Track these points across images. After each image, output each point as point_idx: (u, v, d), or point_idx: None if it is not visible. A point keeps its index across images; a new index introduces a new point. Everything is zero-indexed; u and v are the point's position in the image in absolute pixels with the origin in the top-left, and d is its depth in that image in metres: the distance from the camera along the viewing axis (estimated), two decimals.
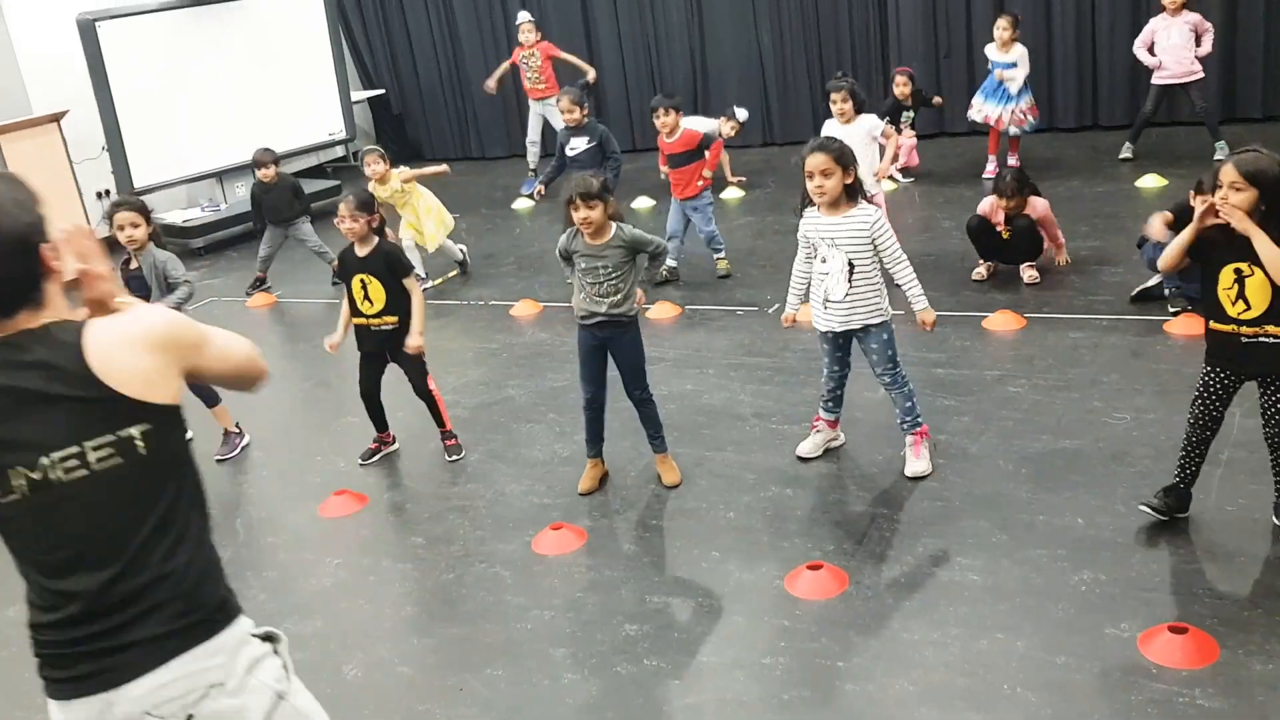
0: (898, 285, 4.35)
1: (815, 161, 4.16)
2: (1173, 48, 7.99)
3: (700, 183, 6.99)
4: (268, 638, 2.11)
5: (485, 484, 4.85)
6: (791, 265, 4.53)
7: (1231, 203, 3.36)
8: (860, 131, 6.38)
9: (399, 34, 12.29)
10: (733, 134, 9.04)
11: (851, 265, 4.23)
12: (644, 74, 11.23)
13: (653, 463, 4.73)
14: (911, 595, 3.67)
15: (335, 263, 5.75)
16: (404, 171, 7.55)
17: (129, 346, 1.91)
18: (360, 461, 5.18)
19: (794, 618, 3.63)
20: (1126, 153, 8.43)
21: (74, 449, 1.87)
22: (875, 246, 4.23)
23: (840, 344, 4.47)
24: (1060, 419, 4.70)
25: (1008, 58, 8.19)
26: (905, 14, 9.94)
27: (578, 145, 7.15)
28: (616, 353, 4.53)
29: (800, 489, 4.47)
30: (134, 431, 1.91)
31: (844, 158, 4.19)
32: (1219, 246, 3.46)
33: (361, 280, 4.93)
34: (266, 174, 7.92)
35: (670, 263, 7.20)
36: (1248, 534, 3.72)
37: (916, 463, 4.44)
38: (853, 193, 4.24)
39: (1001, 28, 8.20)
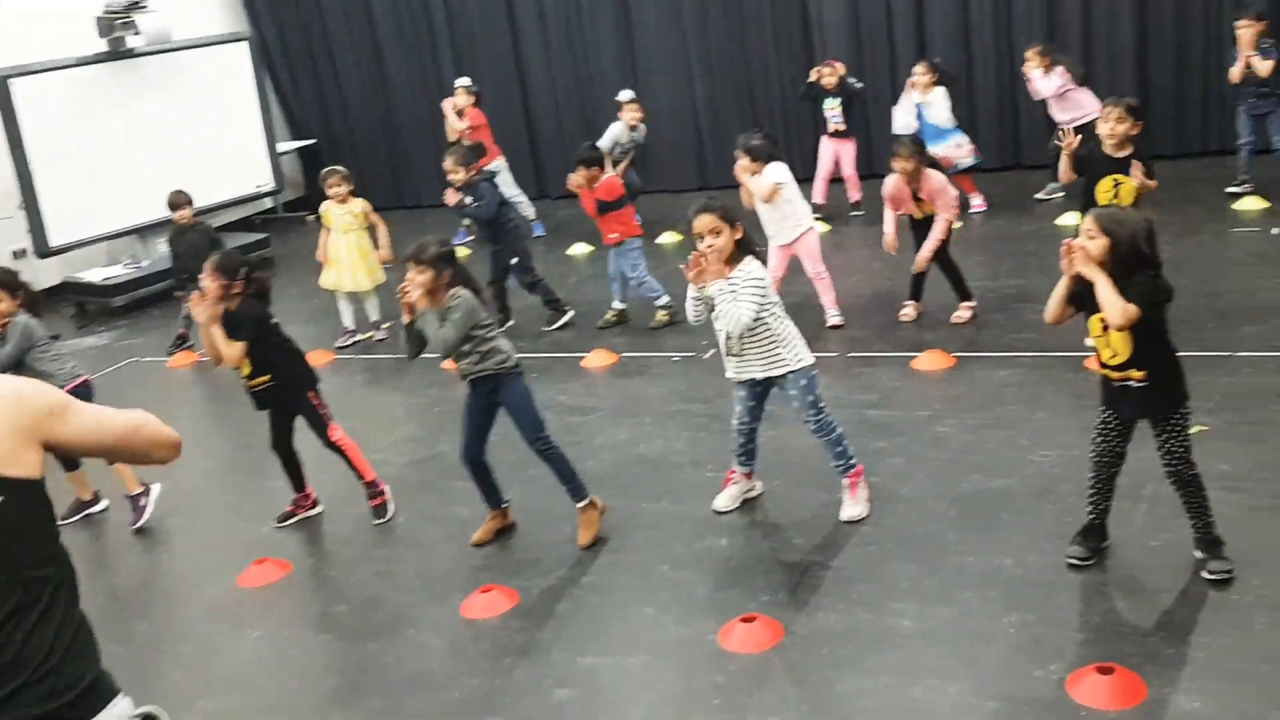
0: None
1: (703, 222, 4.18)
2: (1056, 100, 8.29)
3: (616, 235, 7.03)
4: (148, 719, 2.01)
5: (414, 546, 4.76)
6: None
7: (1088, 250, 3.47)
8: (771, 179, 6.41)
9: (329, 84, 12.23)
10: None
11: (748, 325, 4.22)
12: (578, 123, 11.26)
13: None
14: (845, 644, 3.64)
15: None
16: (367, 205, 7.48)
17: None
18: (275, 525, 5.05)
19: (728, 674, 3.58)
20: (1045, 193, 8.60)
21: None
22: (763, 298, 4.18)
23: (756, 392, 4.44)
24: (988, 458, 4.74)
25: (927, 100, 8.36)
26: (831, 53, 10.07)
27: (466, 203, 7.16)
28: (506, 406, 4.50)
29: (736, 538, 4.43)
30: None
31: (729, 215, 4.20)
32: (1089, 296, 3.56)
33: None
34: (182, 215, 7.78)
35: (617, 305, 7.21)
36: (1170, 569, 3.75)
37: (852, 506, 4.43)
38: (743, 248, 4.24)
39: (919, 72, 8.39)
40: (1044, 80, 8.28)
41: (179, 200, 7.81)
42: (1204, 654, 3.34)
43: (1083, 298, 3.61)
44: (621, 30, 10.94)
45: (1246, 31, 7.67)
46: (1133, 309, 3.41)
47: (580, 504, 4.56)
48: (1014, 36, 9.57)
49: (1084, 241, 3.52)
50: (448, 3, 11.44)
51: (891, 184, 6.37)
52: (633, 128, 9.21)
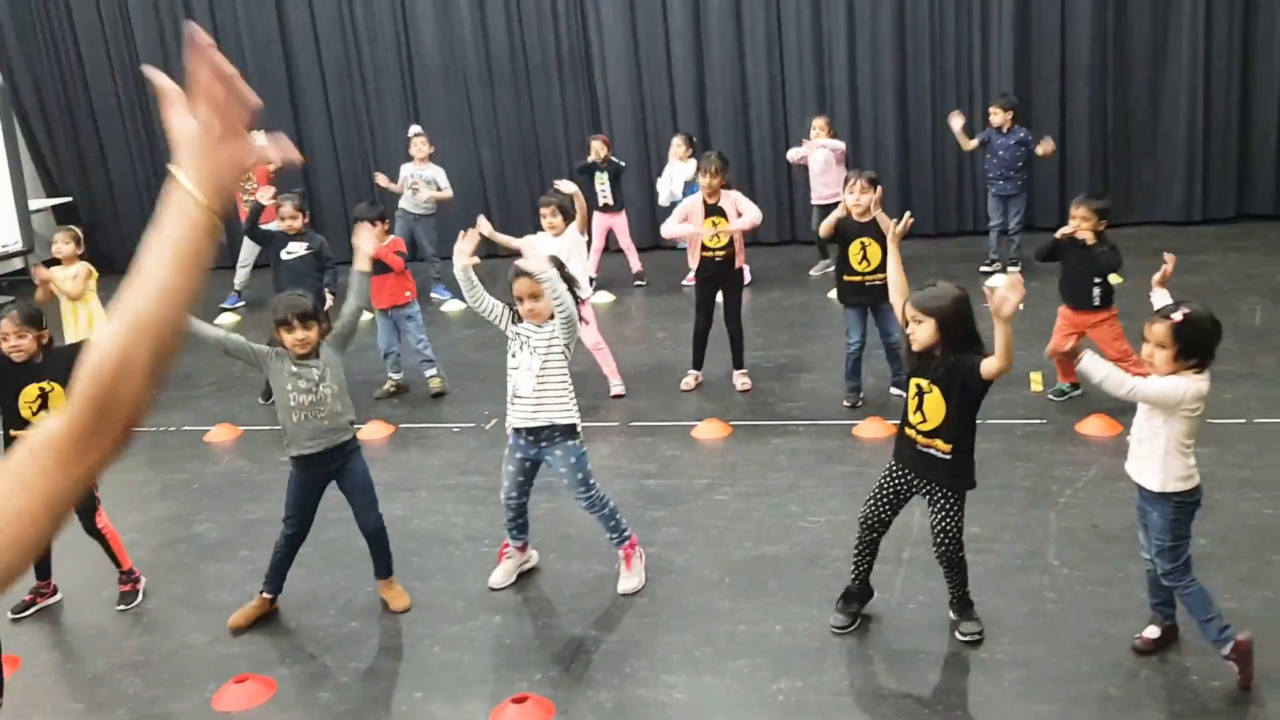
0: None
1: (522, 286, 4.18)
2: (819, 173, 8.76)
3: (408, 293, 6.90)
4: None
5: (163, 635, 4.39)
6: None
7: (917, 335, 3.63)
8: (568, 242, 6.45)
9: (89, 141, 11.53)
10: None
11: (540, 363, 4.22)
12: (363, 185, 11.03)
13: (355, 599, 4.48)
14: None
15: None
16: (93, 272, 6.98)
17: None
18: (11, 616, 4.58)
19: None
20: (817, 270, 9.03)
21: None
22: (565, 346, 4.23)
23: (526, 466, 4.39)
24: (760, 525, 4.84)
25: (687, 169, 8.69)
26: (618, 129, 10.34)
27: (295, 250, 6.84)
28: (346, 482, 4.33)
29: (511, 615, 4.33)
30: None
31: (556, 264, 4.21)
32: (912, 364, 3.75)
33: (40, 389, 4.40)
34: None
35: (394, 376, 7.00)
36: (928, 631, 3.91)
37: (628, 579, 4.42)
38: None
39: (677, 143, 8.72)
40: (818, 150, 8.65)
41: None
42: (958, 713, 3.47)
43: (918, 363, 3.73)
44: (408, 96, 10.85)
45: (995, 116, 8.41)
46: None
47: (385, 580, 4.46)
48: (789, 115, 10.09)
49: (912, 328, 3.65)
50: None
51: (686, 206, 6.45)
52: (420, 164, 9.13)
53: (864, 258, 5.80)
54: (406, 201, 9.15)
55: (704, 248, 6.40)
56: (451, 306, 9.07)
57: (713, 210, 6.35)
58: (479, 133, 10.79)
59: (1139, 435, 3.52)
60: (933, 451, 3.71)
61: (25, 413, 4.41)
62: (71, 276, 6.92)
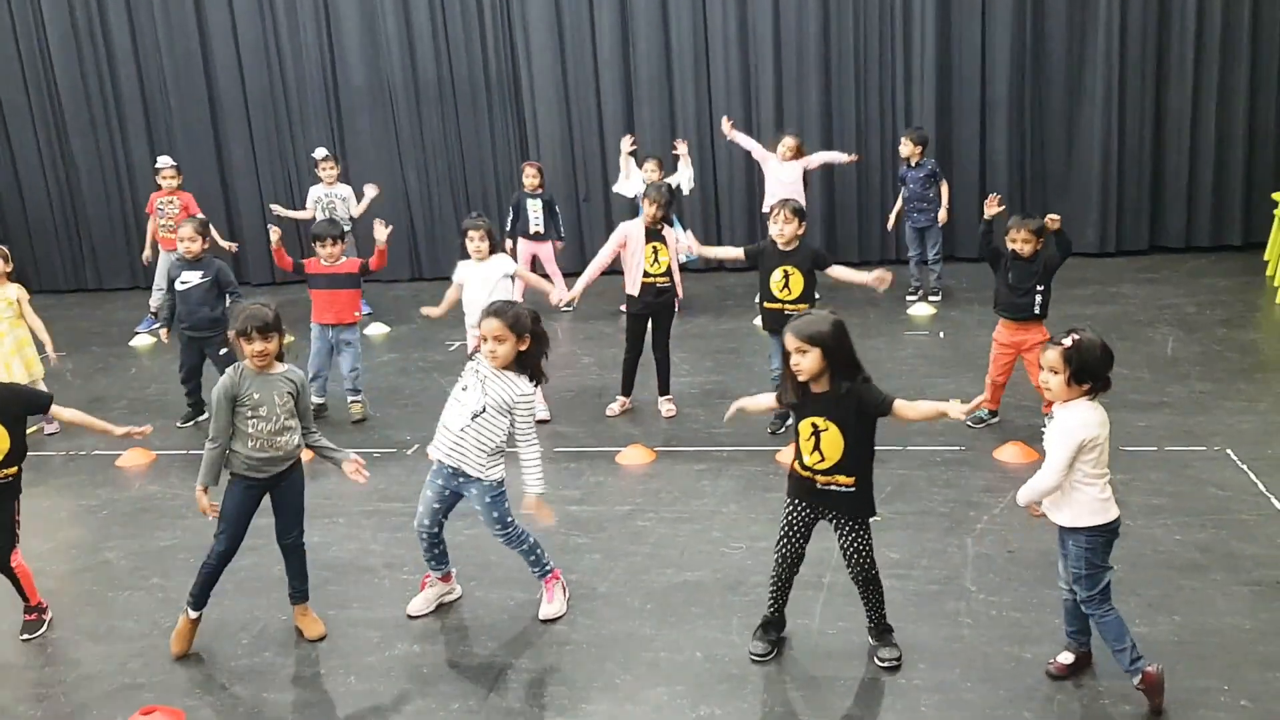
0: (520, 462, 4.26)
1: (489, 326, 4.11)
2: (781, 186, 8.68)
3: (357, 313, 6.82)
4: None
5: (67, 665, 4.24)
6: (441, 409, 4.32)
7: (802, 366, 3.63)
8: (494, 270, 6.41)
9: (1, 156, 11.19)
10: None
11: (480, 413, 4.16)
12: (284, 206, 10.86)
13: (269, 626, 4.38)
14: None
15: None
16: (23, 293, 6.77)
17: None
18: None
19: None
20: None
21: None
22: (511, 415, 4.17)
23: (445, 495, 4.32)
24: (683, 551, 4.83)
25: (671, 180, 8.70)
26: (546, 155, 10.34)
27: (190, 279, 6.69)
28: (281, 496, 4.26)
29: (429, 644, 4.26)
30: None
31: (518, 325, 4.12)
32: (801, 402, 3.73)
33: None
34: None
35: (317, 400, 6.87)
36: (847, 657, 3.93)
37: (549, 606, 4.38)
38: (525, 361, 4.17)
39: (650, 169, 8.73)
40: (783, 166, 8.66)
41: None
42: None
43: (799, 404, 3.74)
44: (332, 118, 10.73)
45: (905, 148, 8.61)
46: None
47: (300, 605, 4.38)
48: (715, 144, 10.19)
49: (797, 360, 3.65)
50: (142, 76, 10.82)
51: (623, 232, 6.44)
52: (330, 185, 9.14)
53: (785, 285, 5.87)
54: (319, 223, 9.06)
55: (645, 274, 6.42)
56: (374, 330, 8.96)
57: (653, 235, 6.38)
58: (405, 156, 10.72)
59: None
60: (834, 487, 3.73)
61: None
62: (10, 300, 6.69)
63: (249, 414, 4.11)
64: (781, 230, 5.84)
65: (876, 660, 3.87)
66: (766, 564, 4.55)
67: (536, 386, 4.27)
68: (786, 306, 5.85)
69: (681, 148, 8.96)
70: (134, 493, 5.99)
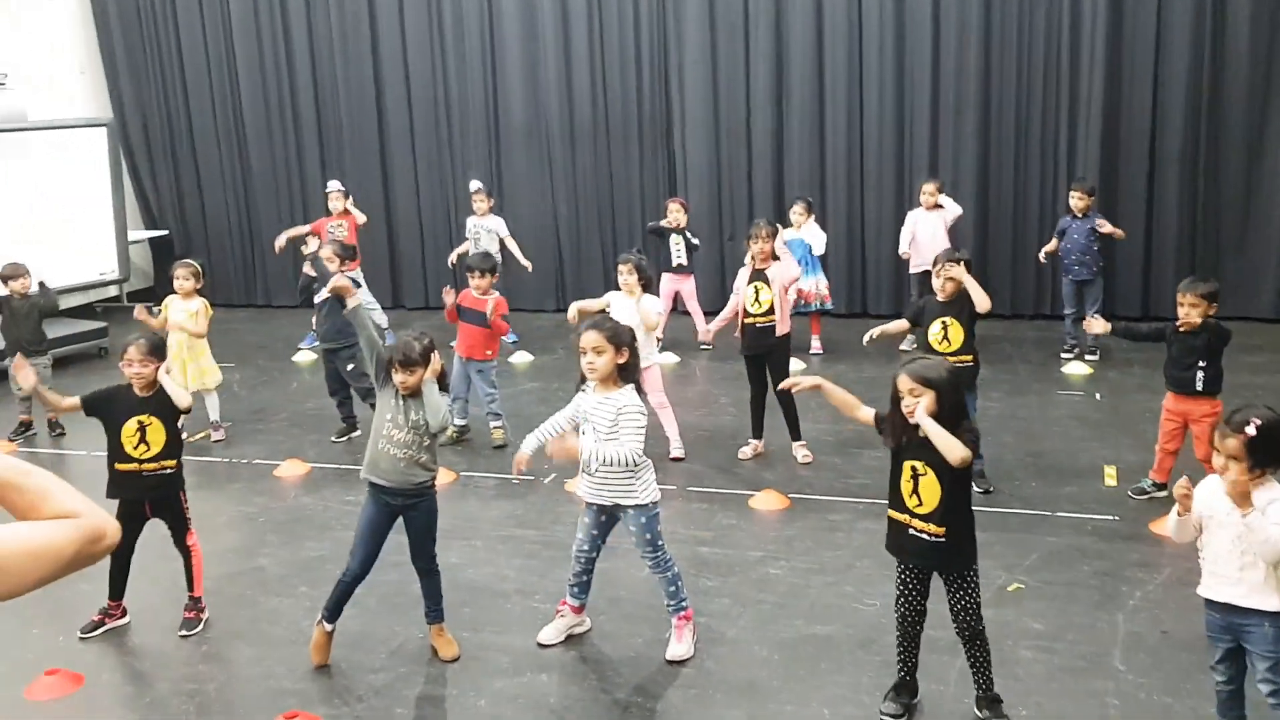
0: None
1: (589, 339, 4.21)
2: (927, 238, 8.64)
3: (489, 351, 6.98)
4: None
5: (219, 665, 4.47)
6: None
7: (913, 409, 3.59)
8: (644, 306, 6.49)
9: (188, 176, 11.98)
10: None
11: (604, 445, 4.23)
12: (441, 238, 11.28)
13: (407, 644, 4.52)
14: None
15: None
16: (206, 306, 7.26)
17: None
18: (80, 635, 4.69)
19: None
20: (906, 344, 8.87)
21: None
22: (618, 423, 4.21)
23: (601, 521, 4.41)
24: (814, 603, 4.77)
25: (801, 235, 8.66)
26: (694, 193, 10.43)
27: (323, 293, 7.02)
28: (412, 521, 4.42)
29: (556, 674, 4.32)
30: None
31: (617, 337, 4.23)
32: (903, 445, 3.70)
33: (140, 422, 4.60)
34: (15, 288, 7.43)
35: (459, 422, 7.09)
36: None
37: (678, 646, 4.39)
38: (625, 373, 4.26)
39: (797, 212, 8.72)
40: (932, 216, 8.58)
41: (13, 272, 7.46)
42: None
43: (900, 447, 3.71)
44: (492, 153, 11.09)
45: (1078, 200, 8.30)
46: (969, 452, 3.52)
47: (436, 625, 4.51)
48: (864, 188, 10.10)
49: (910, 401, 3.61)
50: (319, 106, 11.43)
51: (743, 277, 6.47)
52: (482, 216, 9.42)
53: (945, 337, 5.75)
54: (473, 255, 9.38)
55: (746, 313, 6.41)
56: (519, 358, 9.18)
57: (757, 276, 6.38)
58: (557, 189, 10.98)
59: (1221, 557, 3.34)
60: (924, 536, 3.65)
61: (127, 446, 4.61)
62: (192, 313, 7.15)
63: (386, 416, 4.33)
64: (943, 286, 5.77)
65: None
66: None
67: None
68: (948, 358, 5.72)
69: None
70: (289, 502, 6.28)
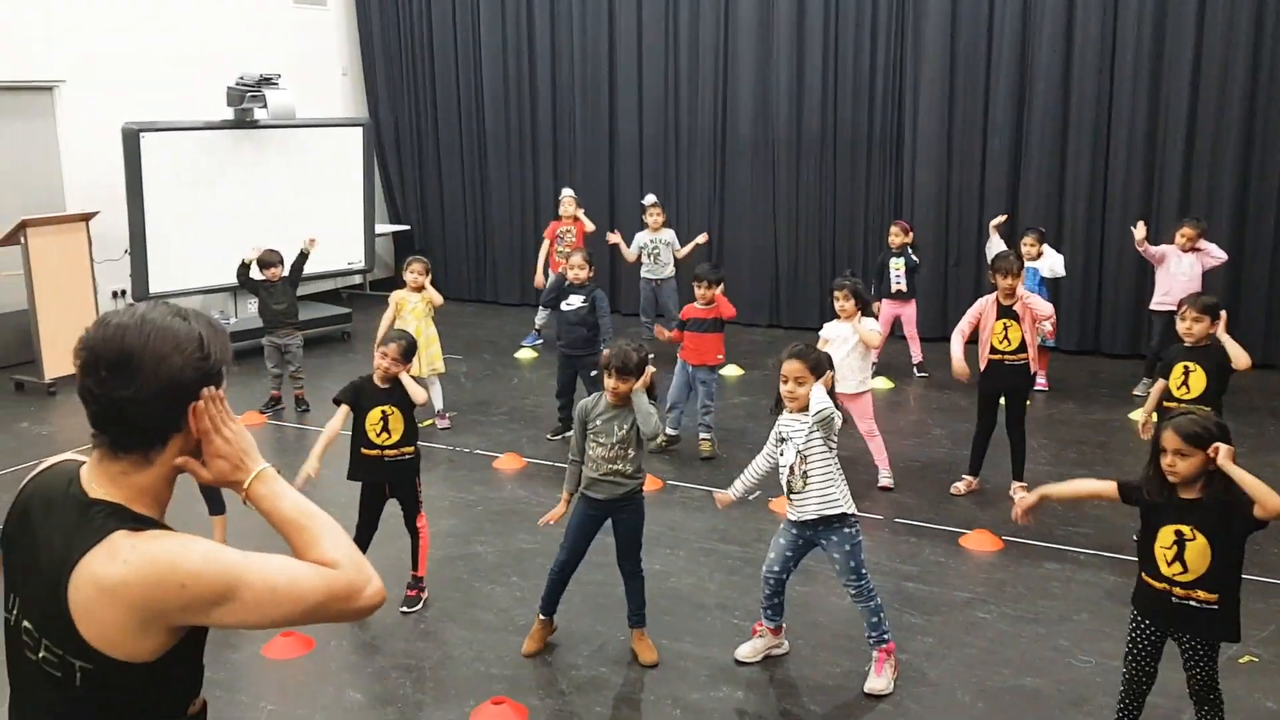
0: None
1: (791, 368, 4.28)
2: (1177, 281, 8.01)
3: (719, 356, 7.14)
4: None
5: (434, 643, 4.75)
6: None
7: (1179, 469, 3.41)
8: (865, 327, 6.44)
9: (431, 176, 12.71)
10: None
11: (803, 455, 4.26)
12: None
13: (609, 645, 4.67)
14: None
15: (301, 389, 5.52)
16: (434, 292, 7.73)
17: (100, 590, 1.61)
18: None
19: None
20: (1140, 388, 8.31)
21: (31, 626, 1.70)
22: (821, 425, 4.22)
23: (799, 544, 4.42)
24: (1024, 653, 4.61)
25: (1037, 265, 8.33)
26: (920, 216, 10.23)
27: (574, 302, 7.31)
28: (620, 524, 4.59)
29: (752, 692, 4.36)
30: (76, 663, 1.64)
31: (819, 368, 4.30)
32: (1161, 506, 3.49)
33: (383, 411, 4.99)
34: (272, 274, 8.10)
35: (670, 431, 7.24)
36: None
37: (876, 680, 4.35)
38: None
39: (1028, 244, 8.40)
40: (1182, 257, 8.06)
41: (270, 259, 8.14)
42: None
43: (1147, 504, 3.54)
44: (716, 167, 11.22)
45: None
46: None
47: (637, 630, 4.64)
48: (1107, 217, 9.62)
49: (1173, 461, 3.42)
50: (555, 117, 11.88)
51: (980, 305, 6.30)
52: (655, 231, 9.59)
53: (1184, 383, 5.44)
54: (647, 268, 9.66)
55: (992, 349, 6.22)
56: (729, 371, 9.25)
57: (1005, 312, 6.17)
58: (779, 206, 10.99)
59: None
60: (1192, 603, 3.44)
61: (371, 434, 4.98)
62: (426, 301, 7.67)
63: (593, 439, 4.48)
64: (1190, 329, 5.46)
65: None
66: (1116, 684, 4.27)
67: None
68: (1183, 406, 5.42)
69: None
70: (505, 494, 6.58)
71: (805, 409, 4.29)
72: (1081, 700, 4.23)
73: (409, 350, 5.11)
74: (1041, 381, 8.57)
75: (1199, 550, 3.41)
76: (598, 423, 4.49)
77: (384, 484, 5.07)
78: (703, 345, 7.06)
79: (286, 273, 8.28)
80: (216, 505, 5.36)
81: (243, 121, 9.91)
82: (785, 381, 4.30)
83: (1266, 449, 7.16)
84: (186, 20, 10.45)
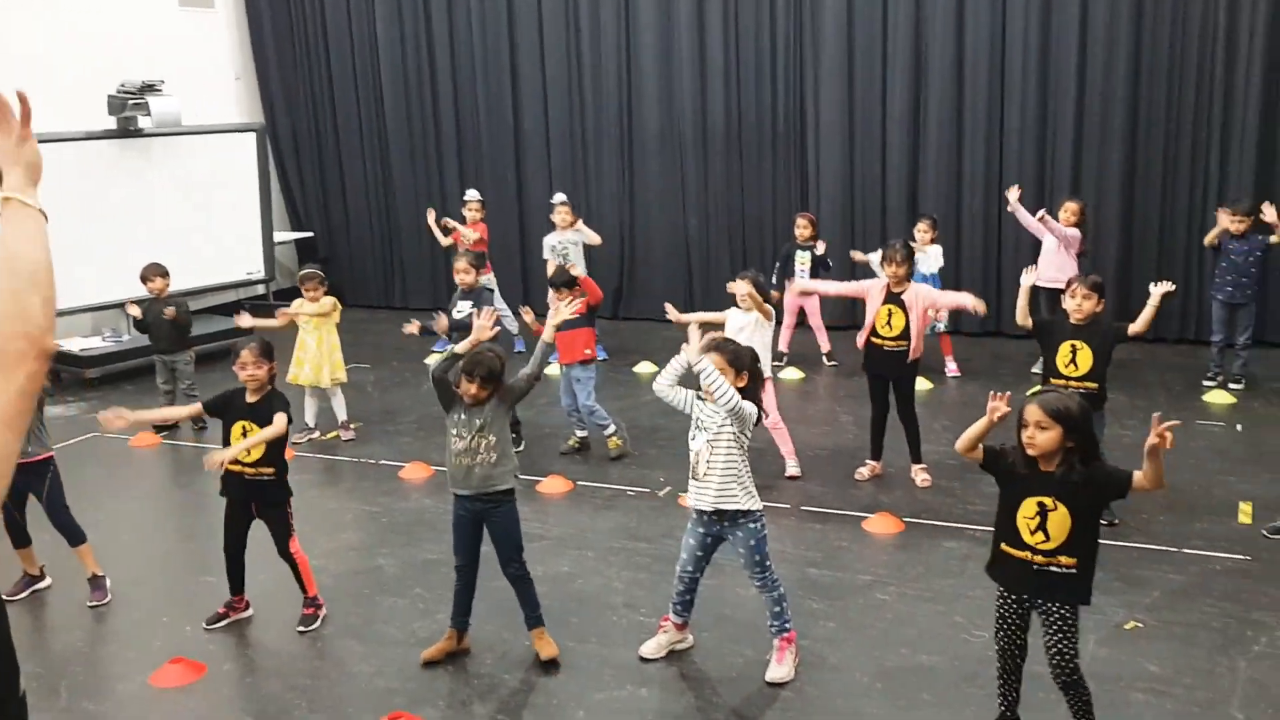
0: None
1: (711, 360, 4.23)
2: (1049, 253, 8.30)
3: (588, 350, 7.06)
4: None
5: (332, 662, 4.66)
6: None
7: (1038, 441, 3.47)
8: (754, 318, 6.48)
9: (333, 179, 12.48)
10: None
11: (711, 445, 4.24)
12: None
13: (513, 650, 4.64)
14: None
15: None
16: (338, 305, 7.59)
17: None
18: (205, 626, 4.96)
19: None
20: (1038, 366, 8.56)
21: None
22: (734, 417, 4.20)
23: (707, 543, 4.42)
24: (922, 632, 4.68)
25: (926, 257, 8.47)
26: (825, 207, 10.33)
27: (463, 309, 7.18)
28: (493, 528, 4.53)
29: (656, 689, 4.35)
30: None
31: (739, 360, 4.28)
32: (1024, 478, 3.56)
33: (244, 428, 4.84)
34: (154, 287, 7.84)
35: (580, 432, 7.20)
36: None
37: (778, 669, 4.37)
38: (745, 396, 4.26)
39: (921, 230, 8.56)
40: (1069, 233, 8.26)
41: (150, 273, 7.90)
42: None
43: (1008, 476, 3.61)
44: (624, 160, 11.21)
45: (1237, 224, 7.87)
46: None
47: (536, 629, 4.61)
48: (1003, 201, 9.80)
49: (1033, 434, 3.52)
50: (458, 113, 11.75)
51: (872, 284, 6.43)
52: (564, 230, 9.39)
53: (1073, 361, 5.58)
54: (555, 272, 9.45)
55: (874, 332, 6.31)
56: (643, 368, 9.25)
57: (892, 299, 6.26)
58: (688, 200, 11.02)
59: None
60: (1053, 569, 3.54)
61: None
62: (325, 311, 7.51)
63: (451, 430, 4.45)
64: (1079, 305, 5.60)
65: None
66: None
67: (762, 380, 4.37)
68: (1071, 383, 5.56)
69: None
70: (410, 504, 6.49)
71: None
72: (975, 675, 4.30)
73: (265, 349, 4.88)
74: (953, 368, 8.72)
75: (1060, 519, 3.50)
76: (458, 416, 4.44)
77: (249, 502, 4.93)
78: (573, 342, 6.97)
79: (172, 308, 7.95)
80: (74, 536, 5.25)
81: (126, 130, 9.62)
82: None
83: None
84: (66, 26, 10.10)
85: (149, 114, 9.39)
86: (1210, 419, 7.47)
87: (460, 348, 4.53)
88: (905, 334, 6.24)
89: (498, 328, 4.68)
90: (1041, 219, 8.19)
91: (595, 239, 9.47)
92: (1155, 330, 9.30)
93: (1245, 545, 5.40)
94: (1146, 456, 3.45)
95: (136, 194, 9.79)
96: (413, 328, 7.21)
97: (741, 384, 4.26)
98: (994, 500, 6.02)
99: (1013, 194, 8.45)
